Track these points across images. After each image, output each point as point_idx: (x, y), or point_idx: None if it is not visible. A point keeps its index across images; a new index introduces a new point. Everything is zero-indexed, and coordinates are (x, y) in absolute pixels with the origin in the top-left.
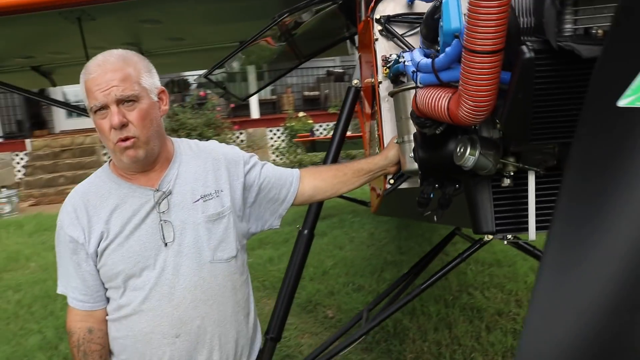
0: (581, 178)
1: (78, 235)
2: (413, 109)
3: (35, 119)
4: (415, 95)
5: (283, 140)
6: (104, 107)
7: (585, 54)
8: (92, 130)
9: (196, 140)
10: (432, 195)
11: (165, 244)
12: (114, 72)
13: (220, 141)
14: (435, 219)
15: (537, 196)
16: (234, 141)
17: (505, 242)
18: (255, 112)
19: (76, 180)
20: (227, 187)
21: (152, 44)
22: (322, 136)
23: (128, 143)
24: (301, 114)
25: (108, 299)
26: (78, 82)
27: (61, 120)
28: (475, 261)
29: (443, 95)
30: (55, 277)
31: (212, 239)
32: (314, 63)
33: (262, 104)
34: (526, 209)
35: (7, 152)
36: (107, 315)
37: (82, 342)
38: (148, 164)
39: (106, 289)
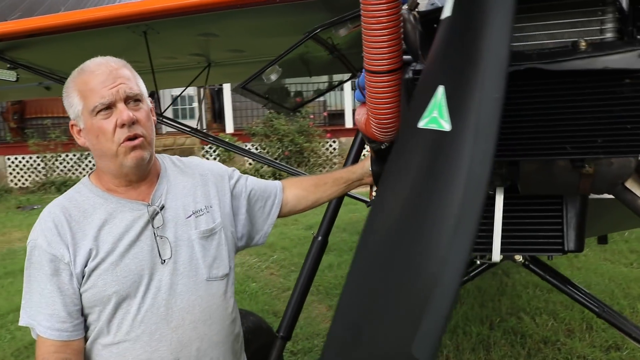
0: (388, 188)
1: (62, 254)
2: None
3: (163, 117)
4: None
5: None
6: (110, 105)
7: None
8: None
9: (177, 156)
10: None
11: (163, 261)
12: (118, 69)
13: (312, 149)
14: None
15: (505, 218)
16: (327, 149)
17: (478, 262)
18: (349, 122)
19: None
20: (217, 202)
21: (217, 55)
22: None
23: (137, 142)
24: None
25: (87, 328)
26: (152, 88)
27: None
28: (535, 285)
29: (363, 112)
30: None
31: (207, 255)
32: None
33: None
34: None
35: None
36: (89, 344)
37: None
38: (145, 171)
39: (85, 316)
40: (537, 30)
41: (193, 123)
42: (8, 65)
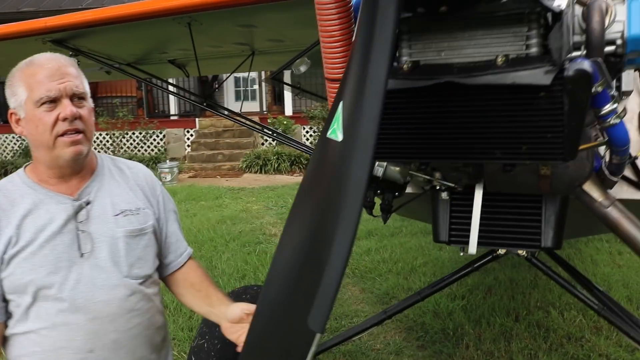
0: (304, 184)
1: None
2: None
3: (207, 100)
4: None
5: None
6: (55, 100)
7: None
8: (253, 113)
9: (120, 158)
10: (388, 202)
11: (82, 255)
12: (67, 67)
13: None
14: (384, 222)
15: (486, 213)
16: None
17: (462, 254)
18: None
19: (232, 158)
20: (149, 206)
21: (260, 44)
22: None
23: (77, 137)
24: None
25: (8, 313)
26: (201, 74)
27: (230, 102)
28: (569, 280)
29: None
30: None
31: (130, 254)
32: None
33: None
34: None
35: (181, 128)
36: (9, 330)
37: None
38: (81, 165)
39: (6, 302)
40: (471, 43)
41: (255, 104)
42: (70, 53)
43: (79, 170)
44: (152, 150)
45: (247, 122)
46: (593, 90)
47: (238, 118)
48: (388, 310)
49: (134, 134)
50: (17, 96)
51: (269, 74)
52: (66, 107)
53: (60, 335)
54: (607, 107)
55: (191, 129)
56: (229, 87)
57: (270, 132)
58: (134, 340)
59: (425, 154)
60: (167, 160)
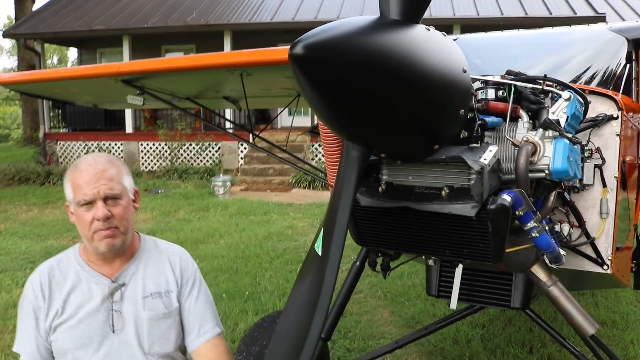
0: (301, 273)
1: (41, 306)
2: None
3: (262, 115)
4: None
5: None
6: (91, 202)
7: (362, 202)
8: (305, 129)
9: (162, 240)
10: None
11: (113, 331)
12: (103, 171)
13: None
14: (384, 277)
15: (467, 274)
16: None
17: (450, 307)
18: None
19: (282, 173)
20: (176, 289)
21: None
22: None
23: (109, 232)
24: None
25: None
26: (251, 109)
27: (284, 116)
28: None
29: None
30: (233, 255)
31: (152, 334)
32: None
33: None
34: (461, 284)
35: (235, 141)
36: None
37: None
38: (119, 252)
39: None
40: (430, 173)
41: (307, 120)
42: (137, 92)
43: (121, 254)
44: (208, 161)
45: (284, 158)
46: (517, 213)
47: (279, 154)
48: (399, 340)
49: (190, 145)
50: (68, 194)
51: None
52: (98, 210)
53: None
54: (529, 225)
55: (245, 142)
56: (280, 116)
57: (307, 167)
58: None
59: (396, 247)
60: (221, 174)
